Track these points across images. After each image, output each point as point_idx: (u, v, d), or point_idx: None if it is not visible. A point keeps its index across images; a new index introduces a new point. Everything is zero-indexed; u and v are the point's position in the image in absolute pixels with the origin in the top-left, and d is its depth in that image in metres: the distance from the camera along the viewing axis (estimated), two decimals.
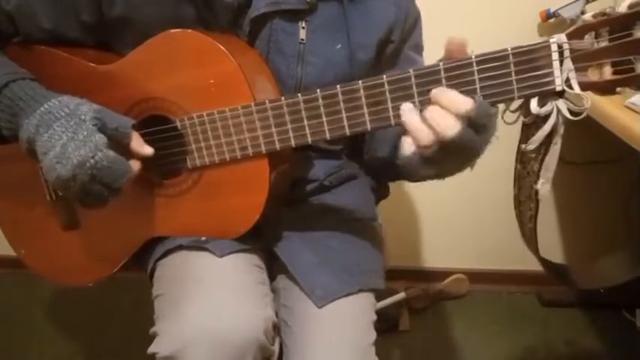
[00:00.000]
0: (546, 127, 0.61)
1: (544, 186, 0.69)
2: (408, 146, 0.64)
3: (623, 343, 1.56)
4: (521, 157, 1.03)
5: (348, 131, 0.68)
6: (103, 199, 0.70)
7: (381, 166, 0.90)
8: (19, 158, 0.73)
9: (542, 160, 0.66)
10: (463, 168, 0.68)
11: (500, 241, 1.74)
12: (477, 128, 0.61)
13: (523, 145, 0.66)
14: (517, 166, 1.07)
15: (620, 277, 1.54)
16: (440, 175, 0.68)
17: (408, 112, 0.64)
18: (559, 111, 0.60)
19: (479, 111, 0.60)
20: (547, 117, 0.61)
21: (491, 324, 1.66)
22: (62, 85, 0.73)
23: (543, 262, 1.46)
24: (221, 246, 0.80)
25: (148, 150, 0.74)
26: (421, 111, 0.63)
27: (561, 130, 0.61)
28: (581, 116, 0.59)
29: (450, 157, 0.63)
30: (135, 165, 0.73)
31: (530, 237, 1.24)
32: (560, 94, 0.60)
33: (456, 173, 0.69)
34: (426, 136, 0.62)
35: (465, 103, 0.60)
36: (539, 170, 0.68)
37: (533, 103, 0.61)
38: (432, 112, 0.62)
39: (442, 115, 0.61)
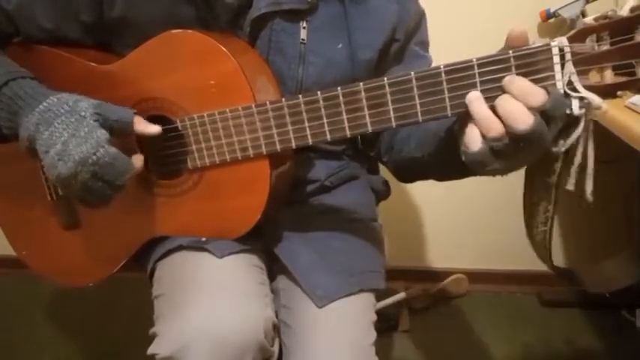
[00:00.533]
0: (580, 128, 0.60)
1: (587, 184, 0.67)
2: (475, 141, 0.59)
3: (623, 343, 1.56)
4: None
5: (348, 133, 0.68)
6: (105, 196, 0.70)
7: (409, 166, 0.86)
8: (20, 158, 0.73)
9: (571, 161, 0.64)
10: (530, 161, 0.63)
11: (500, 241, 1.75)
12: (549, 121, 0.57)
13: (555, 149, 0.63)
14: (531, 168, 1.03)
15: (623, 280, 1.53)
16: (507, 170, 0.63)
17: (476, 100, 0.59)
18: (588, 105, 0.58)
19: (553, 104, 0.56)
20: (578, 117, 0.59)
21: (491, 324, 1.66)
22: (62, 85, 0.73)
23: (552, 265, 1.46)
24: (221, 246, 0.80)
25: (154, 128, 0.73)
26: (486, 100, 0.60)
27: (590, 125, 0.59)
28: (603, 110, 0.57)
29: (521, 150, 0.58)
30: (137, 161, 0.73)
31: (543, 239, 1.22)
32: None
33: (522, 167, 0.64)
34: (497, 127, 0.58)
35: (538, 95, 0.57)
36: (563, 169, 0.66)
37: (575, 105, 0.59)
38: (504, 100, 0.58)
39: (515, 105, 0.57)
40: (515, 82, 0.58)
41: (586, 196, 0.70)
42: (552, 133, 0.58)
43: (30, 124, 0.68)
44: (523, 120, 0.56)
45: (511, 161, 0.60)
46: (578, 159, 0.65)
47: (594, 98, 0.57)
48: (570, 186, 0.68)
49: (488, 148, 0.59)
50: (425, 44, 0.90)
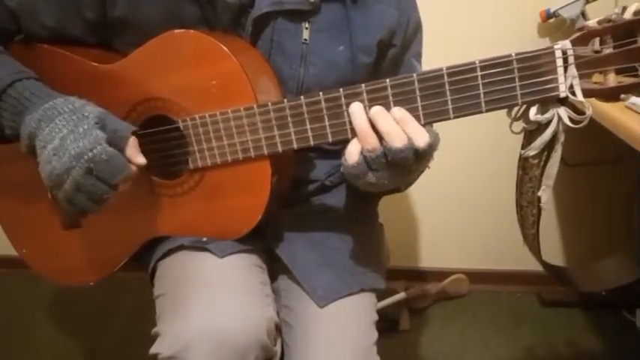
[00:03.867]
0: (546, 135, 0.61)
1: (544, 192, 0.69)
2: (353, 153, 0.67)
3: (623, 343, 1.56)
4: (523, 162, 1.03)
5: (350, 134, 0.68)
6: (95, 197, 0.67)
7: None
8: (22, 157, 0.73)
9: (544, 167, 0.65)
10: (404, 182, 0.74)
11: (500, 242, 1.75)
12: (419, 154, 0.65)
13: (522, 151, 0.66)
14: (519, 172, 1.07)
15: (621, 279, 1.54)
16: (381, 185, 0.69)
17: (358, 112, 0.67)
18: (560, 119, 0.60)
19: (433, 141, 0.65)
20: (549, 124, 0.61)
21: (491, 324, 1.67)
22: (64, 84, 0.73)
23: (545, 265, 1.46)
24: (222, 246, 0.80)
25: (140, 160, 0.71)
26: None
27: (562, 137, 0.61)
28: (582, 124, 0.59)
29: (389, 165, 0.66)
30: (133, 166, 0.72)
31: (532, 242, 1.24)
32: (563, 101, 0.60)
33: (395, 185, 0.72)
34: (372, 140, 0.66)
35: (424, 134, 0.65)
36: (540, 176, 0.68)
37: (533, 111, 0.61)
38: (386, 120, 0.66)
39: (394, 126, 0.65)
40: (399, 111, 0.66)
41: (540, 204, 0.72)
42: (419, 169, 0.69)
43: (32, 121, 0.68)
44: (400, 139, 0.65)
45: (383, 175, 0.68)
46: (550, 166, 0.66)
47: (564, 114, 0.59)
48: (540, 192, 0.70)
49: (363, 158, 0.67)
50: (419, 56, 0.91)
